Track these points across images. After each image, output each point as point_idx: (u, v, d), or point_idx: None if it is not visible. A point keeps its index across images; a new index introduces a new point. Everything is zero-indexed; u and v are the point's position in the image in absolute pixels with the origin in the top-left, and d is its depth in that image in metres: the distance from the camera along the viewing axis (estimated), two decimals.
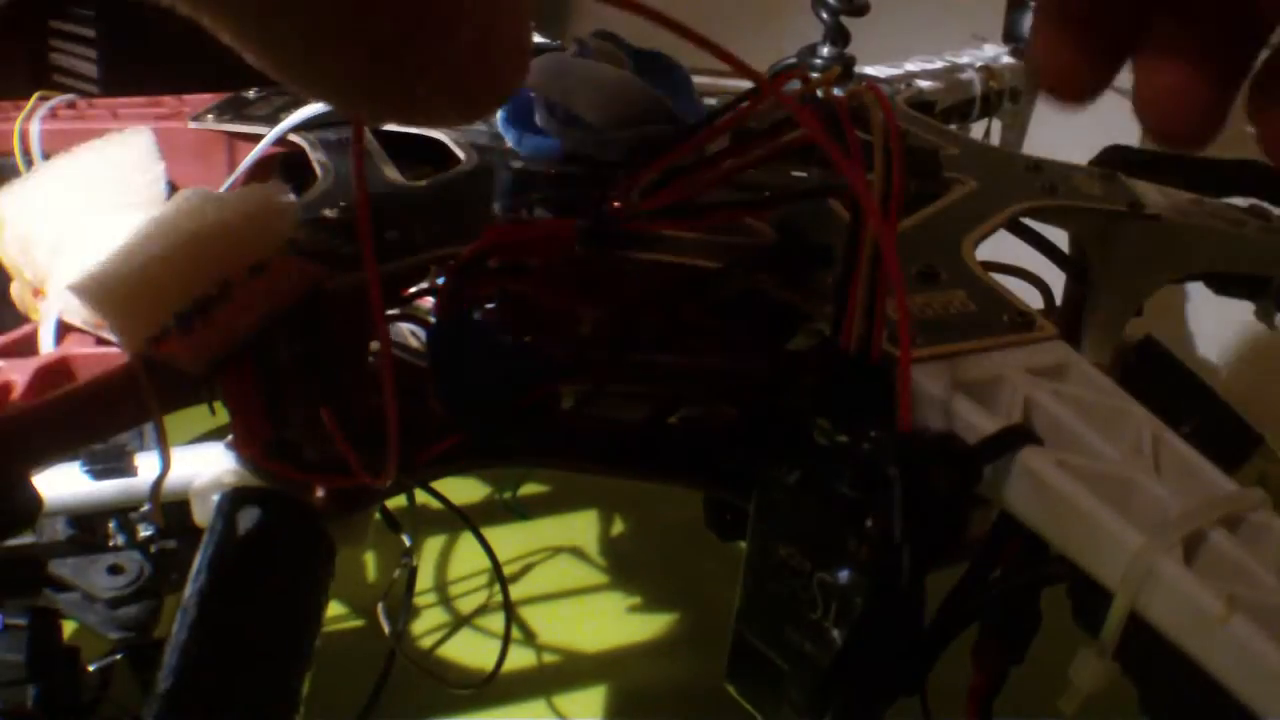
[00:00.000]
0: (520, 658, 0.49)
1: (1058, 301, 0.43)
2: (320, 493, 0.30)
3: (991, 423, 0.22)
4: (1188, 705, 0.19)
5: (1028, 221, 0.40)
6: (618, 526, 0.58)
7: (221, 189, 0.38)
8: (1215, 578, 0.19)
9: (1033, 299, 0.43)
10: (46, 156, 0.41)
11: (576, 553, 0.56)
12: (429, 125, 0.35)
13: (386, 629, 0.42)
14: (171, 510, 0.39)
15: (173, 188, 0.28)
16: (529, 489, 0.58)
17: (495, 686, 0.42)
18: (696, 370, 0.33)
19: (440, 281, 0.31)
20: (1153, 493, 0.21)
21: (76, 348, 0.25)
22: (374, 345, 0.32)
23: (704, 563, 0.53)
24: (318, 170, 0.36)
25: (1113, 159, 0.45)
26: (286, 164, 0.40)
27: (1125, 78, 0.20)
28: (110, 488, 0.40)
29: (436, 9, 0.15)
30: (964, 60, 0.59)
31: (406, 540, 0.40)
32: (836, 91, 0.25)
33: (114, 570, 0.40)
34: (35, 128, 0.42)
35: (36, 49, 0.90)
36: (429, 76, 0.15)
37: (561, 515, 0.58)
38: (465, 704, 0.45)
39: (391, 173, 0.36)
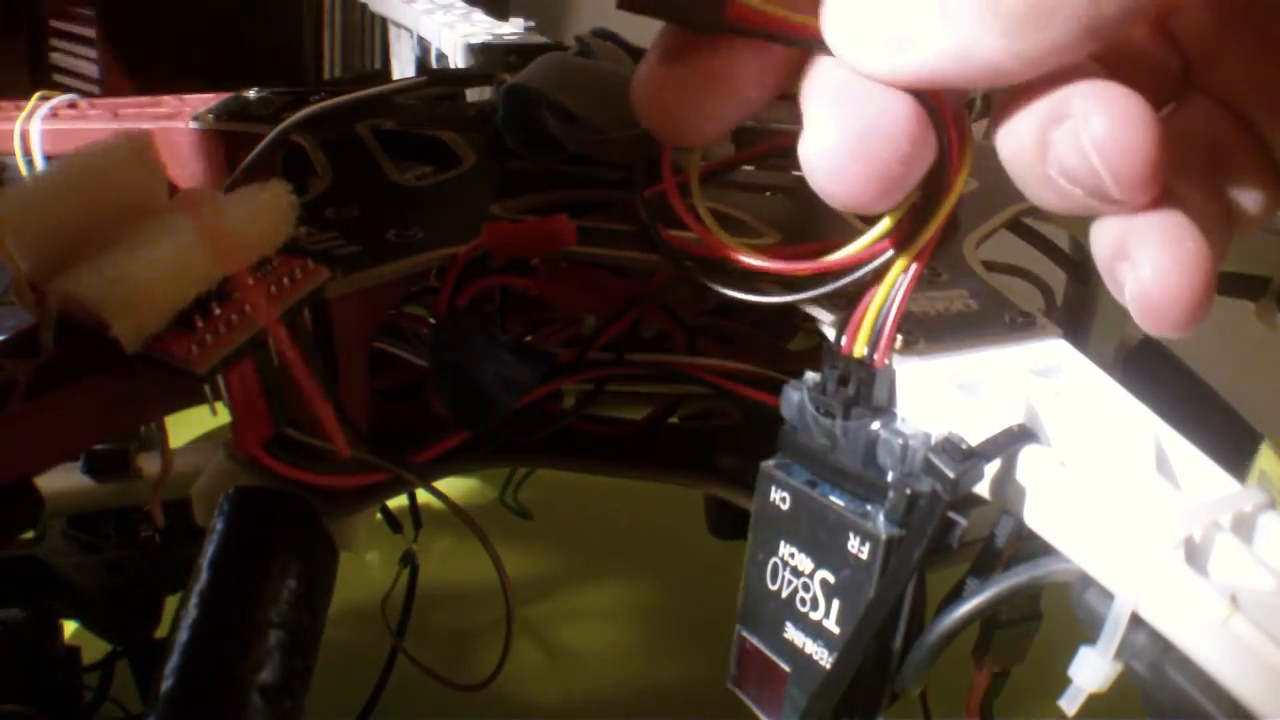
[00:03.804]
0: (522, 657, 0.49)
1: (1058, 301, 0.43)
2: (320, 492, 0.30)
3: (992, 423, 0.22)
4: (1189, 705, 0.19)
5: (1028, 221, 0.40)
6: (618, 526, 0.58)
7: (222, 189, 0.38)
8: (1217, 577, 0.19)
9: (1033, 299, 0.43)
10: (47, 156, 0.41)
11: (577, 553, 0.56)
12: None
13: (388, 629, 0.42)
14: (171, 510, 0.40)
15: (173, 188, 0.28)
16: (529, 489, 0.58)
17: (496, 686, 0.41)
18: (697, 370, 0.33)
19: (440, 281, 0.31)
20: (1154, 492, 0.21)
21: (77, 348, 0.24)
22: (374, 346, 0.32)
23: (704, 562, 0.53)
24: (318, 170, 0.36)
25: None
26: (287, 164, 0.40)
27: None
28: (110, 488, 0.40)
29: None
30: None
31: (408, 540, 0.40)
32: None
33: (114, 570, 0.40)
34: (35, 128, 0.42)
35: (36, 49, 0.90)
36: None
37: (562, 515, 0.58)
38: (467, 704, 0.45)
39: (391, 172, 0.36)
